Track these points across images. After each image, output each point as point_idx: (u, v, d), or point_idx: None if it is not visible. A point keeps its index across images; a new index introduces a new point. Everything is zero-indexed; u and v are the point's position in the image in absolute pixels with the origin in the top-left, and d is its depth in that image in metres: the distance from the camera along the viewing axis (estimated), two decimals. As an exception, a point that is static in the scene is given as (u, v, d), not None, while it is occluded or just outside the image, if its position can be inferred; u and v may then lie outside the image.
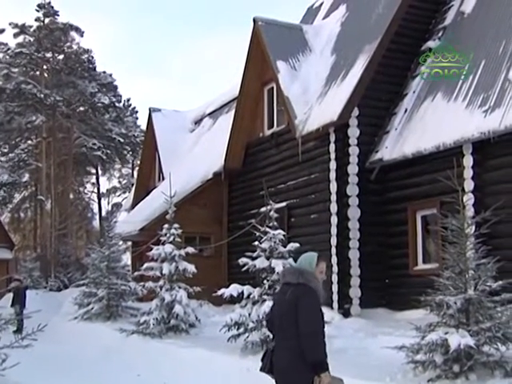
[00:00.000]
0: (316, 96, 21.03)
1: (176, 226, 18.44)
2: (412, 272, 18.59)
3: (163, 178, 29.72)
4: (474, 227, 11.57)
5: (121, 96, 59.04)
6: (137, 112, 63.04)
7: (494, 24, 18.89)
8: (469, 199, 15.99)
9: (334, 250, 18.99)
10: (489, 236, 12.65)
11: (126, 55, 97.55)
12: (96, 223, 64.82)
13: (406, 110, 19.52)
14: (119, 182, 70.48)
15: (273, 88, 23.16)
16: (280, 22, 23.86)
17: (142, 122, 58.29)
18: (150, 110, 34.14)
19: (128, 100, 61.95)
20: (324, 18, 25.91)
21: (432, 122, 18.10)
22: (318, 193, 20.16)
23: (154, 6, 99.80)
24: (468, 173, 16.57)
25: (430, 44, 20.51)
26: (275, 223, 14.85)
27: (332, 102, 19.84)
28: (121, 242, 25.67)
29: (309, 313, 6.62)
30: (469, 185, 16.46)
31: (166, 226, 18.60)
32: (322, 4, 27.51)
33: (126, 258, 29.71)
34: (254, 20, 23.05)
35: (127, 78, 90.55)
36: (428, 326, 10.63)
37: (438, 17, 21.42)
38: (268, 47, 22.45)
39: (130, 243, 31.62)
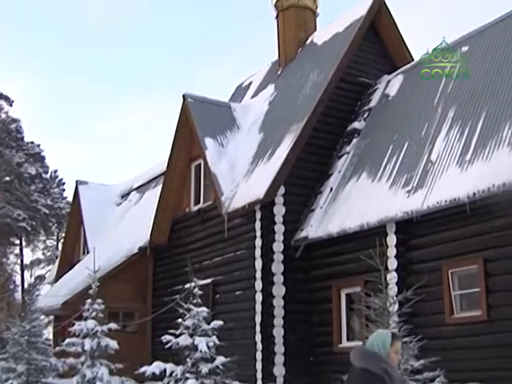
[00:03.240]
0: (243, 173, 21.23)
1: (99, 301, 18.19)
2: (336, 350, 18.60)
3: (88, 252, 29.32)
4: (396, 306, 11.73)
5: (48, 167, 58.52)
6: (63, 183, 62.38)
7: (417, 107, 19.48)
8: (392, 278, 16.21)
9: (258, 328, 18.91)
10: (411, 314, 12.85)
11: (53, 121, 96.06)
12: (18, 295, 63.27)
13: (331, 189, 19.82)
14: (43, 254, 69.19)
15: (200, 164, 23.24)
16: (209, 100, 24.13)
17: (69, 194, 57.69)
18: (76, 182, 33.80)
19: (55, 171, 61.38)
20: (253, 97, 26.36)
21: (357, 201, 18.38)
22: (244, 270, 20.15)
23: (79, 69, 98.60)
24: (391, 251, 16.80)
25: (356, 125, 21.03)
26: (199, 300, 14.79)
27: (258, 179, 20.05)
28: (43, 316, 25.13)
29: None
30: (392, 263, 16.66)
31: (88, 300, 18.34)
32: (251, 83, 28.00)
33: (48, 333, 29.03)
34: (184, 97, 23.26)
35: (55, 143, 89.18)
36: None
37: (363, 99, 22.02)
38: (196, 124, 22.63)
39: (52, 317, 30.97)
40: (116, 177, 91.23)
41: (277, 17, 26.72)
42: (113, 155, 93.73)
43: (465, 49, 19.43)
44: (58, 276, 31.82)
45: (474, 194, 14.66)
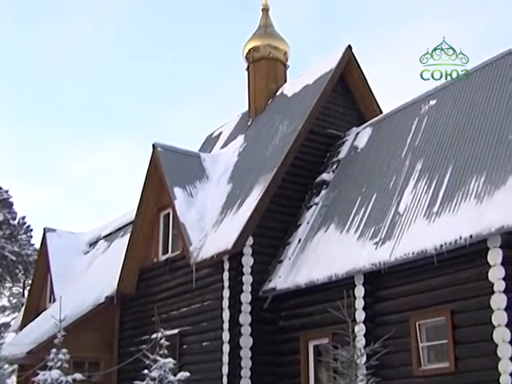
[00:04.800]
0: (212, 224, 21.23)
1: (64, 350, 17.92)
2: (304, 402, 18.50)
3: (54, 300, 29.05)
4: (364, 358, 11.71)
5: (16, 213, 58.13)
6: (31, 230, 61.85)
7: (385, 159, 19.65)
8: (360, 330, 16.22)
9: (225, 379, 18.75)
10: (379, 367, 12.83)
11: (19, 164, 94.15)
12: (-18, 344, 62.30)
13: (299, 240, 19.85)
14: (9, 301, 68.33)
15: (169, 214, 23.21)
16: (179, 149, 24.19)
17: (37, 240, 57.25)
18: (44, 230, 33.57)
19: (23, 218, 60.91)
20: (222, 147, 26.48)
21: (325, 253, 18.41)
22: (211, 320, 20.01)
23: (43, 111, 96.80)
24: (359, 303, 16.83)
25: (325, 176, 21.16)
26: (166, 351, 14.66)
27: (227, 230, 20.05)
28: (7, 365, 24.72)
29: None
30: (360, 315, 16.69)
31: (53, 350, 18.08)
32: (220, 133, 28.16)
33: (12, 382, 28.58)
34: (154, 146, 23.29)
35: (22, 187, 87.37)
36: None
37: (332, 150, 22.21)
38: (165, 174, 22.64)
39: (16, 366, 30.51)
40: (83, 220, 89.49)
41: (247, 68, 27.03)
42: (80, 198, 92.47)
43: (432, 102, 19.71)
44: (24, 324, 31.44)
45: (442, 245, 14.78)
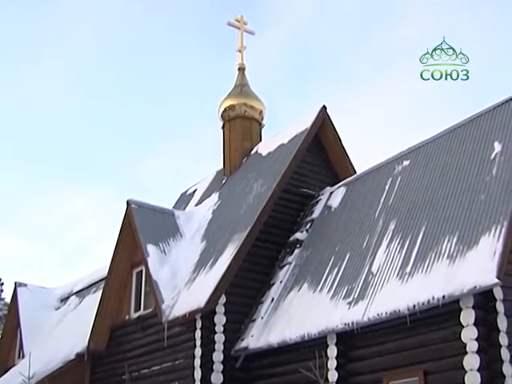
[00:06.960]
0: (184, 281, 21.11)
1: (32, 409, 17.72)
2: None
3: (23, 356, 28.66)
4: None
5: (-14, 267, 57.85)
6: (2, 284, 61.43)
7: (359, 219, 19.73)
8: (333, 390, 16.15)
9: None
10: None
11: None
12: None
13: (272, 299, 19.79)
14: (-23, 358, 67.38)
15: (142, 271, 23.09)
16: (153, 206, 24.17)
17: (7, 295, 56.57)
18: (15, 284, 33.31)
19: (-5, 272, 60.62)
20: (197, 205, 26.50)
21: (298, 312, 18.36)
22: (182, 379, 19.77)
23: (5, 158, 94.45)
24: (332, 363, 16.74)
25: (298, 235, 21.21)
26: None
27: (200, 288, 19.95)
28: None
29: None
30: (332, 375, 16.59)
31: (21, 409, 17.85)
32: (195, 191, 28.23)
33: None
34: (128, 202, 23.26)
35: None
36: None
37: (306, 210, 22.30)
38: (139, 230, 22.56)
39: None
40: (53, 270, 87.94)
41: (223, 127, 27.24)
42: (50, 248, 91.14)
43: (406, 163, 19.89)
44: (-9, 381, 30.99)
45: (414, 306, 14.78)
